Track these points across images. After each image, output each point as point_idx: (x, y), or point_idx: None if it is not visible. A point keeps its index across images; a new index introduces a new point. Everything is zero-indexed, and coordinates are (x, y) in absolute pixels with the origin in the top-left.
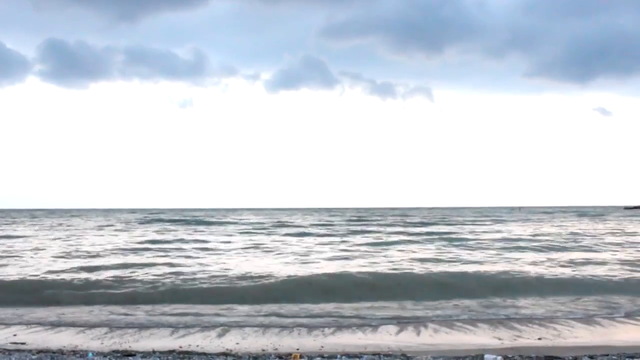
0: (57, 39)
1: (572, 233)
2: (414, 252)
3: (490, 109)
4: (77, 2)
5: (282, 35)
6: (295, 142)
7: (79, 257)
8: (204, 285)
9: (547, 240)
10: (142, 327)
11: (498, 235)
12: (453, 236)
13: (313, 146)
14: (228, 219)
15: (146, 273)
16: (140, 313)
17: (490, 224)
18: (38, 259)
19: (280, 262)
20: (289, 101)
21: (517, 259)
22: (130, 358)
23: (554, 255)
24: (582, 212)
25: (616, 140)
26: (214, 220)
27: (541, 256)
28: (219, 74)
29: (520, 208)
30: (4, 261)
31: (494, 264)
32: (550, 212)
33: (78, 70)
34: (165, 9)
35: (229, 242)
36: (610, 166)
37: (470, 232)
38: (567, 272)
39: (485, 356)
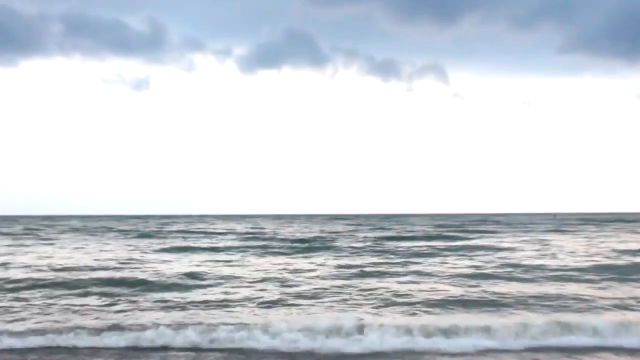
0: None
1: None
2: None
3: (517, 93)
4: None
5: (259, 2)
6: (276, 133)
7: None
8: None
9: None
10: None
11: None
12: None
13: (298, 139)
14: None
15: None
16: None
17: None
18: None
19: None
20: (268, 83)
21: None
22: None
23: None
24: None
25: None
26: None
27: None
28: (181, 49)
29: (555, 215)
30: None
31: None
32: (596, 221)
33: (3, 43)
34: None
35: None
36: None
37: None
38: None
39: None
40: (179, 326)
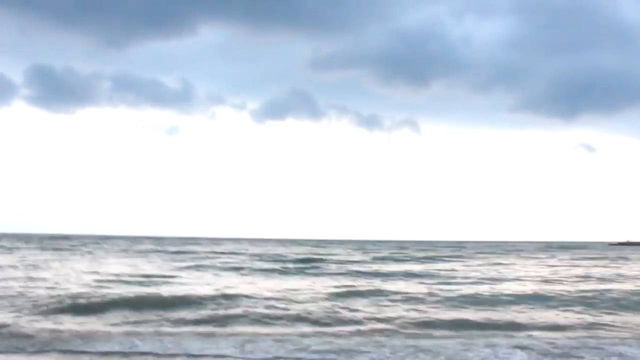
0: (43, 64)
1: None
2: None
3: (476, 144)
4: (63, 27)
5: (269, 66)
6: (281, 172)
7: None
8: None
9: None
10: None
11: None
12: None
13: (299, 177)
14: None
15: None
16: None
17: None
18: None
19: None
20: (276, 131)
21: None
22: None
23: None
24: (576, 248)
25: (600, 177)
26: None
27: None
28: (205, 102)
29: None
30: None
31: None
32: (546, 250)
33: (64, 95)
34: (153, 37)
35: None
36: (594, 202)
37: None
38: None
39: None
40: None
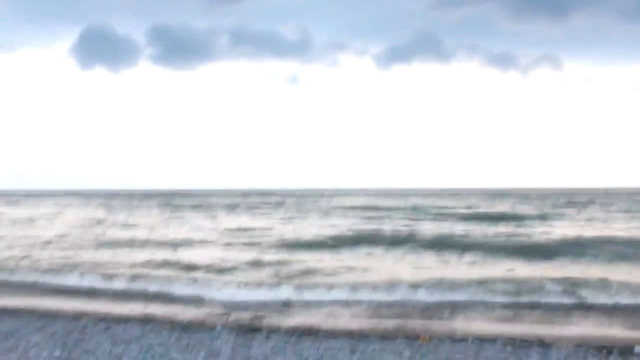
0: (162, 23)
1: None
2: None
3: (627, 80)
4: None
5: (391, 8)
6: (408, 118)
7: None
8: None
9: None
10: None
11: None
12: None
13: (428, 123)
14: None
15: None
16: None
17: None
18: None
19: None
20: (400, 75)
21: None
22: (256, 333)
23: None
24: None
25: None
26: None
27: None
28: (325, 50)
29: None
30: None
31: None
32: None
33: (185, 53)
34: None
35: None
36: None
37: None
38: None
39: (636, 348)
40: None
